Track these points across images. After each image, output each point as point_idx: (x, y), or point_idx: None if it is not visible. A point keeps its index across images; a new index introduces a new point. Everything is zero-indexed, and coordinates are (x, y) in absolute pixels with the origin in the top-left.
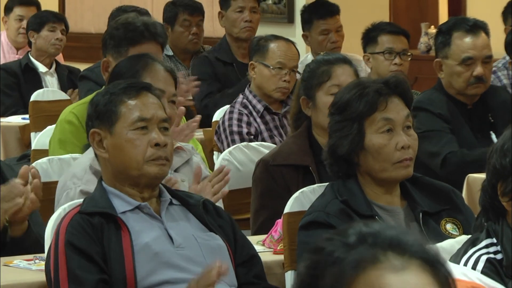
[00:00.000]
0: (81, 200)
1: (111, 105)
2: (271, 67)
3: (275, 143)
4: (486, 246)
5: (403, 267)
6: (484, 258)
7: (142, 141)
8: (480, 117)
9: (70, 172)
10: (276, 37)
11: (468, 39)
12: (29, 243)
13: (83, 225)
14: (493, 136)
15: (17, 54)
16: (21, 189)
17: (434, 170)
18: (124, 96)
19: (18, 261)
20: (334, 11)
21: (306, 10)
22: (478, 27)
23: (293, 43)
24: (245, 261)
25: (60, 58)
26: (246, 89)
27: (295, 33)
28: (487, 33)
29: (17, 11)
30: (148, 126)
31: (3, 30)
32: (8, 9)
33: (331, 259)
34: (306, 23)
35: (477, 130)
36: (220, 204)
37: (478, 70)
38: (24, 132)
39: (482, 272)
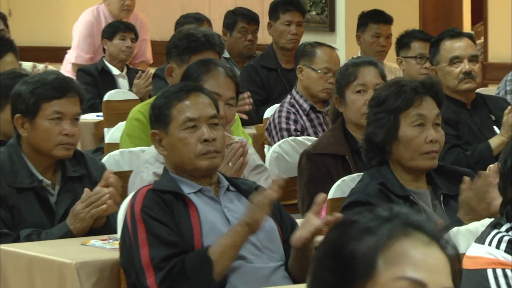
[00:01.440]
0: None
1: (165, 108)
2: (319, 71)
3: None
4: (507, 230)
5: (430, 243)
6: (506, 239)
7: (192, 139)
8: (481, 115)
9: (142, 159)
10: (321, 44)
11: (453, 42)
12: (107, 232)
13: (156, 199)
14: (497, 130)
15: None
16: (106, 197)
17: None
18: (175, 99)
19: (94, 240)
20: (388, 20)
21: (364, 15)
22: (461, 34)
23: (335, 49)
24: (290, 237)
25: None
26: (293, 90)
27: (336, 40)
28: (471, 39)
29: None
30: (197, 124)
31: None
32: None
33: (368, 228)
34: (361, 25)
35: (479, 126)
36: None
37: (466, 66)
38: (98, 128)
39: (505, 251)
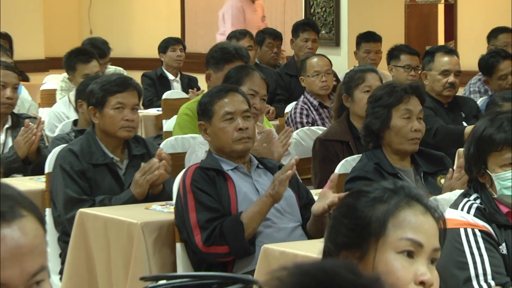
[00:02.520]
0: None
1: (209, 105)
2: (310, 76)
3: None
4: (475, 199)
5: (425, 213)
6: (475, 206)
7: (230, 128)
8: (454, 113)
9: (197, 141)
10: (308, 57)
11: (446, 58)
12: (163, 198)
13: (202, 175)
14: (465, 124)
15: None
16: (157, 165)
17: (427, 141)
18: (217, 97)
19: (155, 206)
20: (377, 39)
21: (358, 36)
22: (452, 51)
23: (324, 56)
24: (306, 204)
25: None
26: (305, 91)
27: (340, 53)
28: (458, 56)
29: None
30: (233, 117)
31: None
32: None
33: (380, 198)
34: (357, 44)
35: (452, 121)
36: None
37: (451, 79)
38: (158, 120)
39: (474, 215)
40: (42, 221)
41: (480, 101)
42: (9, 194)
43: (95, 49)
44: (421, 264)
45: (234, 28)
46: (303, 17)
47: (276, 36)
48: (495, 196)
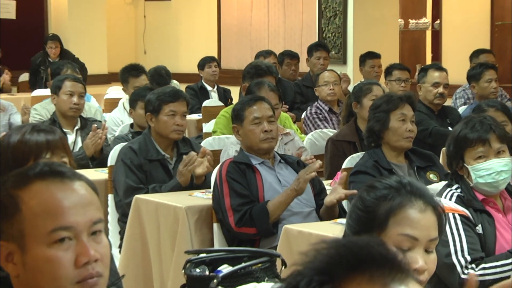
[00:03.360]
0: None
1: (240, 111)
2: (321, 85)
3: (335, 130)
4: (456, 189)
5: (425, 209)
6: (455, 194)
7: (257, 130)
8: (442, 119)
9: (228, 141)
10: (324, 70)
11: (437, 73)
12: (204, 187)
13: (235, 167)
14: (450, 129)
15: None
16: (195, 158)
17: (424, 140)
18: (247, 105)
19: (196, 193)
20: (378, 56)
21: (362, 55)
22: (442, 68)
23: (333, 70)
24: (319, 192)
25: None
26: (318, 99)
27: (347, 69)
28: (446, 72)
29: None
30: (261, 121)
31: None
32: None
33: (384, 196)
34: (362, 62)
35: (440, 125)
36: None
37: (441, 89)
38: (198, 123)
39: (455, 202)
40: (95, 189)
41: (461, 109)
42: (68, 167)
43: (159, 77)
44: (416, 253)
45: None
46: (316, 35)
47: (293, 56)
48: (472, 185)
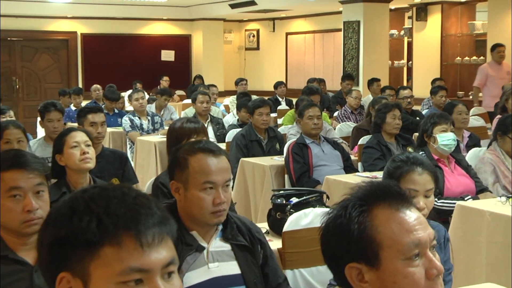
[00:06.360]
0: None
1: (302, 111)
2: (351, 97)
3: (354, 123)
4: (420, 154)
5: (422, 172)
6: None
7: (310, 122)
8: (413, 116)
9: (291, 131)
10: (351, 90)
11: (405, 90)
12: (281, 154)
13: (296, 146)
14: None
15: None
16: None
17: (407, 127)
18: (307, 107)
19: (276, 157)
20: (378, 80)
21: (369, 80)
22: (407, 87)
23: (359, 90)
24: (346, 158)
25: None
26: (346, 105)
27: (360, 89)
28: (411, 89)
29: None
30: (312, 117)
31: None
32: None
33: (397, 167)
34: (369, 85)
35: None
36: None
37: (408, 99)
38: (275, 119)
39: None
40: (229, 159)
41: (425, 112)
42: (217, 145)
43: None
44: (419, 199)
45: (481, 80)
46: (342, 69)
47: (321, 80)
48: (436, 147)
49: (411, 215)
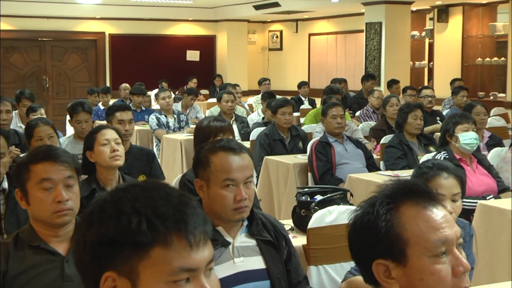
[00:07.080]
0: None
1: (326, 110)
2: (373, 97)
3: (375, 122)
4: (443, 153)
5: (447, 177)
6: (443, 156)
7: (333, 121)
8: (432, 117)
9: (315, 129)
10: (373, 90)
11: (426, 91)
12: (304, 153)
13: (320, 144)
14: (439, 123)
15: None
16: None
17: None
18: (330, 106)
19: (299, 156)
20: (397, 82)
21: (389, 81)
22: (429, 87)
23: (381, 90)
24: (369, 157)
25: None
26: (367, 105)
27: (381, 89)
28: (433, 89)
29: None
30: (336, 116)
31: None
32: None
33: (424, 173)
34: (389, 85)
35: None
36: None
37: (429, 98)
38: (297, 118)
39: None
40: (251, 156)
41: (446, 112)
42: (239, 143)
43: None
44: (446, 203)
45: None
46: (364, 69)
47: (343, 80)
48: (458, 146)
49: (438, 213)
